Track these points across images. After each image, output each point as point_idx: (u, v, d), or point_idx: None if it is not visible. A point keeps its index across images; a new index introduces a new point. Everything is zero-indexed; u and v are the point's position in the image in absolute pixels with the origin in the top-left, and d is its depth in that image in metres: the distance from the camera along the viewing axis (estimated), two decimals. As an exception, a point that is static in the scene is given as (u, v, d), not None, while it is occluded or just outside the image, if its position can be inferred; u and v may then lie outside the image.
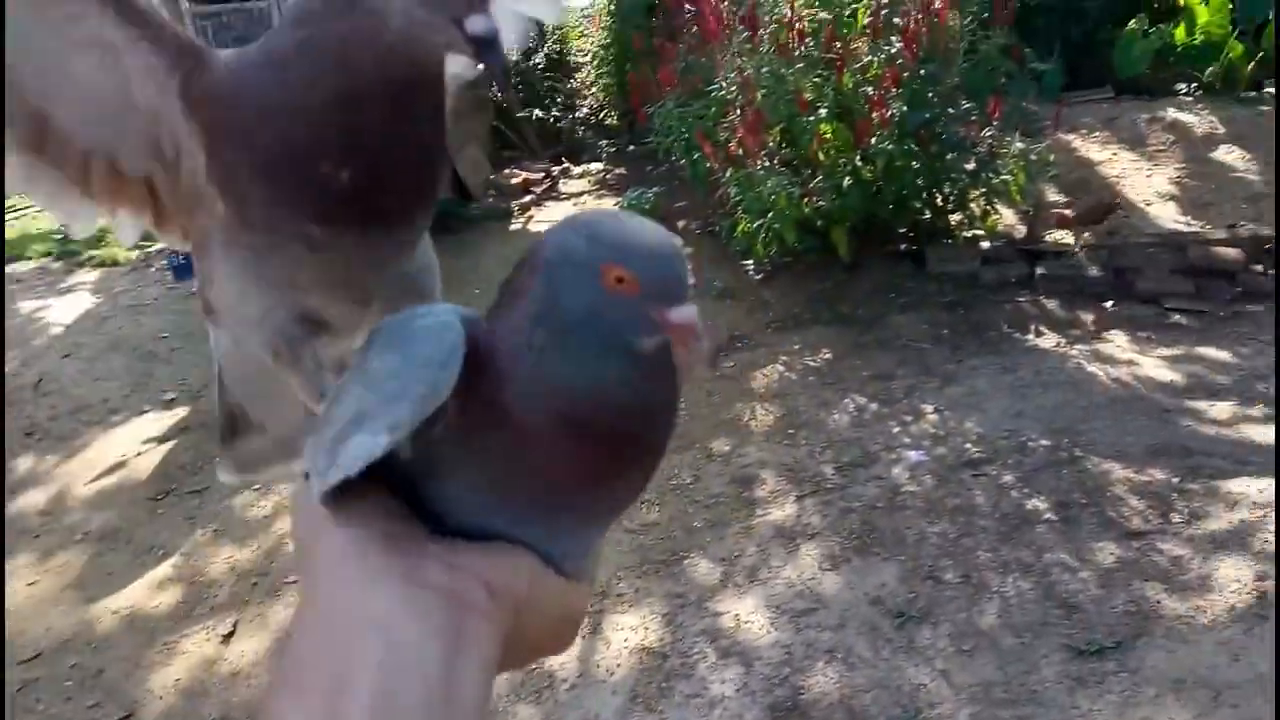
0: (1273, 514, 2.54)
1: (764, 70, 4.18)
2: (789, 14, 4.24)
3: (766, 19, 4.29)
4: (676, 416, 0.51)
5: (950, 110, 4.11)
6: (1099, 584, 2.45)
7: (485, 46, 0.48)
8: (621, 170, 6.66)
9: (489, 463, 0.47)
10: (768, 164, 4.12)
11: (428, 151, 0.56)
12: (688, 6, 4.66)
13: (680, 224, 5.17)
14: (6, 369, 4.41)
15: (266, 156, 0.52)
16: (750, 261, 4.54)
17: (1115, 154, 5.01)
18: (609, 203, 5.90)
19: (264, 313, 0.59)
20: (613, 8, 6.64)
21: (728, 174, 4.21)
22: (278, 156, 0.52)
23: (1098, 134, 5.19)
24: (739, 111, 4.19)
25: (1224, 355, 3.59)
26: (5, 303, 5.16)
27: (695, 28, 4.61)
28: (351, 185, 0.52)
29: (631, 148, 6.74)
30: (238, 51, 0.56)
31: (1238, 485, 2.71)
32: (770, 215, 4.04)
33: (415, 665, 0.42)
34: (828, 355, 3.92)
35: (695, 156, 4.45)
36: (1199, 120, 5.05)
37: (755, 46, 4.26)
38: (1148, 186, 4.72)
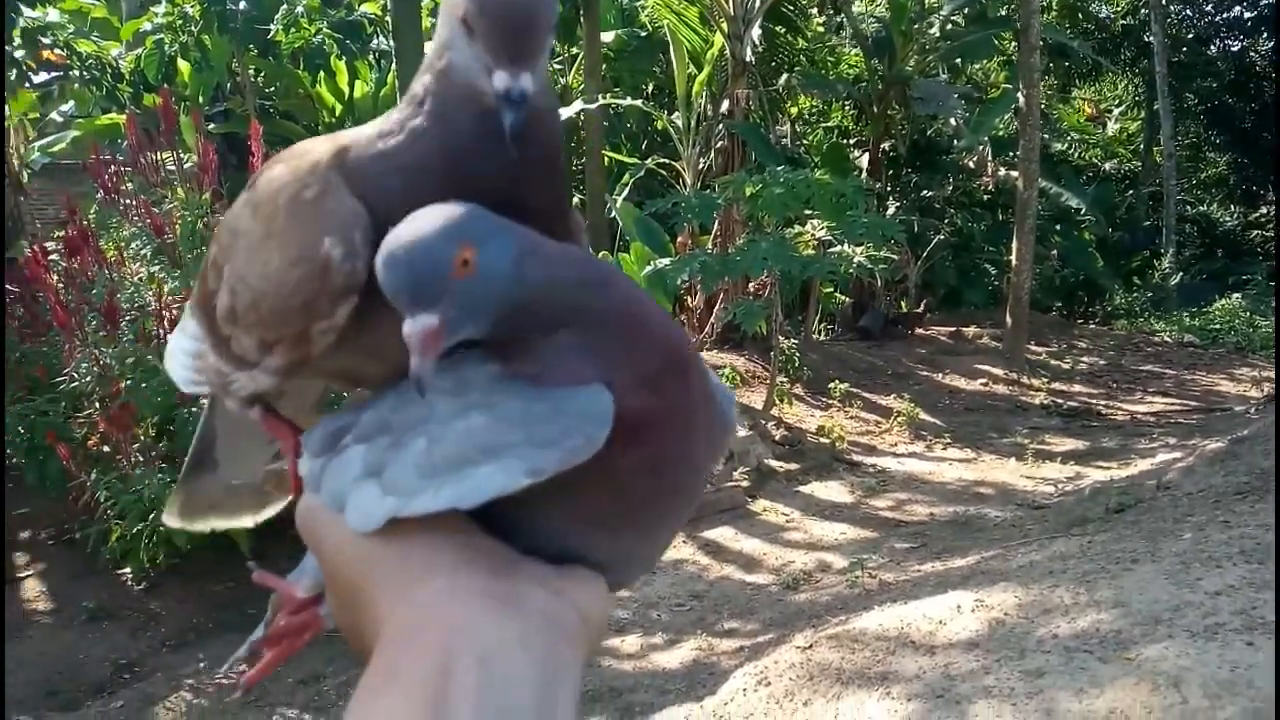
0: None
1: (128, 361, 3.82)
2: (156, 304, 4.00)
3: (127, 306, 3.97)
4: (710, 425, 0.52)
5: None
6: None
7: (504, 103, 0.47)
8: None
9: (582, 488, 0.47)
10: (142, 460, 3.69)
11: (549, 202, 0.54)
12: (11, 288, 4.07)
13: (25, 534, 4.21)
14: None
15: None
16: (129, 570, 3.92)
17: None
18: None
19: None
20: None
21: (93, 476, 3.65)
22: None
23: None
24: (98, 405, 3.72)
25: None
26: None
27: (24, 312, 4.02)
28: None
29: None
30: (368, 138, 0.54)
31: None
32: (154, 516, 3.59)
33: (514, 694, 0.40)
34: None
35: (41, 459, 3.77)
36: None
37: (112, 335, 3.89)
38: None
